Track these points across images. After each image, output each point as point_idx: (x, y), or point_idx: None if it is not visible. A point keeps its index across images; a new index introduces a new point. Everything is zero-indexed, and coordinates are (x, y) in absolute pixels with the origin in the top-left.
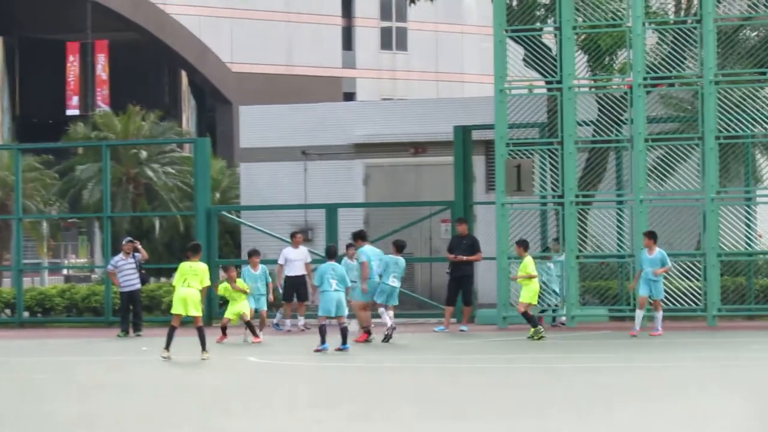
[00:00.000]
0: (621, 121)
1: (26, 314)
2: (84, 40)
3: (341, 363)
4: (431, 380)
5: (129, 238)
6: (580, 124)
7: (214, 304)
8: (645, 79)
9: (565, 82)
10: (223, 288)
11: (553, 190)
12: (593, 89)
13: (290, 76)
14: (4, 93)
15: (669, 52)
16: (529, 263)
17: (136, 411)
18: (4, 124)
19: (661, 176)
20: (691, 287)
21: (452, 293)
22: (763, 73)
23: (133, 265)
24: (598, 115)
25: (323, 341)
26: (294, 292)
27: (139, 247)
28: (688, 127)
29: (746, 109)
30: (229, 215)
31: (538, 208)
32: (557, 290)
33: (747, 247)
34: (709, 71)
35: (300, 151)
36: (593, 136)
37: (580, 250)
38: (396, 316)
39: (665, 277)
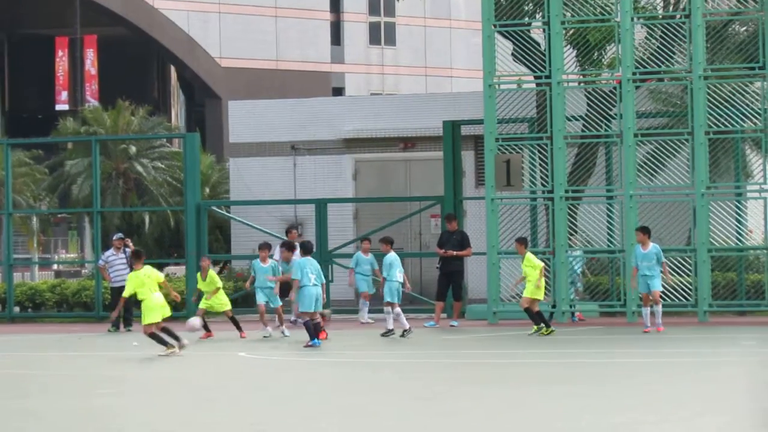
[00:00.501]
0: (610, 116)
1: (17, 309)
2: (73, 35)
3: (335, 359)
4: (420, 375)
5: (120, 234)
6: (570, 119)
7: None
8: (634, 74)
9: (554, 77)
10: (201, 282)
11: (543, 185)
12: (582, 84)
13: (279, 71)
14: None
15: (658, 47)
16: (531, 259)
17: (125, 406)
18: None
19: (651, 171)
20: (681, 283)
21: (442, 288)
22: (752, 68)
23: (124, 261)
24: (588, 110)
25: (313, 337)
26: None
27: (131, 245)
28: (678, 122)
29: (735, 104)
30: (219, 210)
31: (528, 203)
32: (579, 285)
33: (737, 242)
34: (699, 66)
35: (289, 146)
36: (582, 131)
37: (570, 246)
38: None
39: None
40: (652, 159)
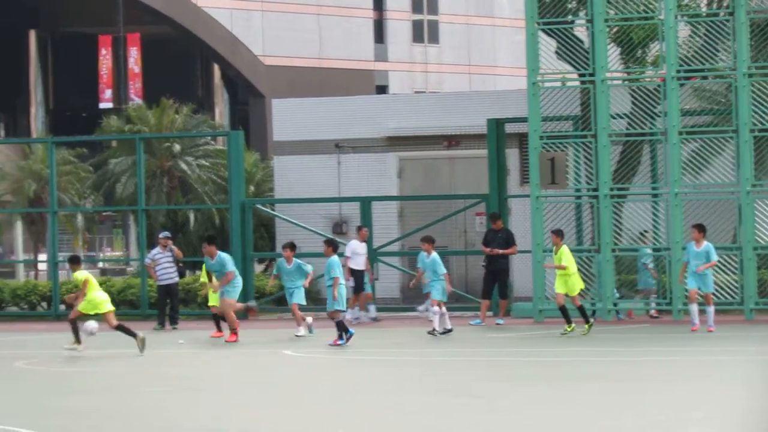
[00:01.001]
0: (654, 113)
1: (62, 307)
2: (116, 33)
3: (383, 357)
4: (467, 373)
5: (166, 233)
6: (614, 117)
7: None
8: (678, 71)
9: (598, 75)
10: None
11: (588, 183)
12: (626, 82)
13: (322, 69)
14: (38, 86)
15: (702, 45)
16: (565, 252)
17: (173, 403)
18: (38, 118)
19: (696, 169)
20: (727, 281)
21: (488, 286)
22: None
23: (171, 259)
24: (632, 108)
25: (343, 335)
26: (358, 285)
27: (174, 247)
28: (722, 120)
29: None
30: (264, 208)
31: (573, 201)
32: (652, 282)
33: None
34: (743, 64)
35: (333, 144)
36: (627, 128)
37: (615, 244)
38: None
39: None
40: (697, 157)
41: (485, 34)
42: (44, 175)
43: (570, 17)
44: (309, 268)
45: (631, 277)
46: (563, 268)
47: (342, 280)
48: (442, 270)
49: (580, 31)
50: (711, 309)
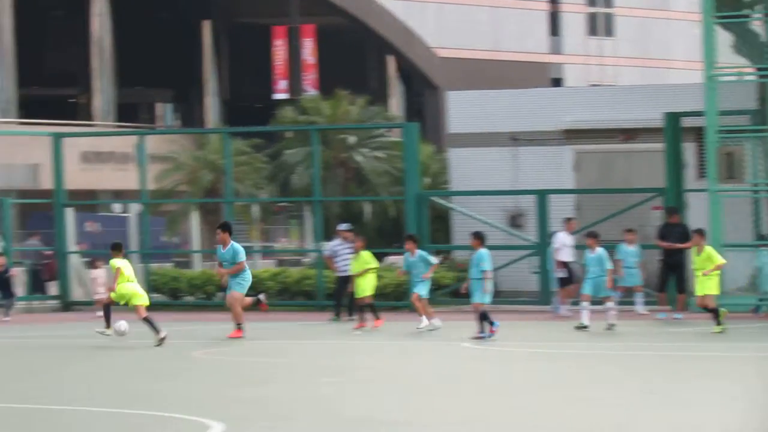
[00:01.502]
0: None
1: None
2: (290, 24)
3: (560, 350)
4: (647, 367)
5: (347, 225)
6: None
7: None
8: None
9: None
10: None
11: (766, 177)
12: None
13: (496, 61)
14: (213, 77)
15: None
16: (712, 252)
17: (349, 395)
18: (213, 108)
19: None
20: None
21: (665, 280)
22: None
23: (351, 251)
24: None
25: (486, 328)
26: (567, 277)
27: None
28: None
29: None
30: (439, 201)
31: (751, 195)
32: None
33: None
34: None
35: (508, 137)
36: None
37: None
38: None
39: None
40: None
41: (660, 28)
42: (219, 165)
43: (747, 11)
44: (433, 260)
45: None
46: (721, 266)
47: (490, 275)
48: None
49: (757, 25)
50: None
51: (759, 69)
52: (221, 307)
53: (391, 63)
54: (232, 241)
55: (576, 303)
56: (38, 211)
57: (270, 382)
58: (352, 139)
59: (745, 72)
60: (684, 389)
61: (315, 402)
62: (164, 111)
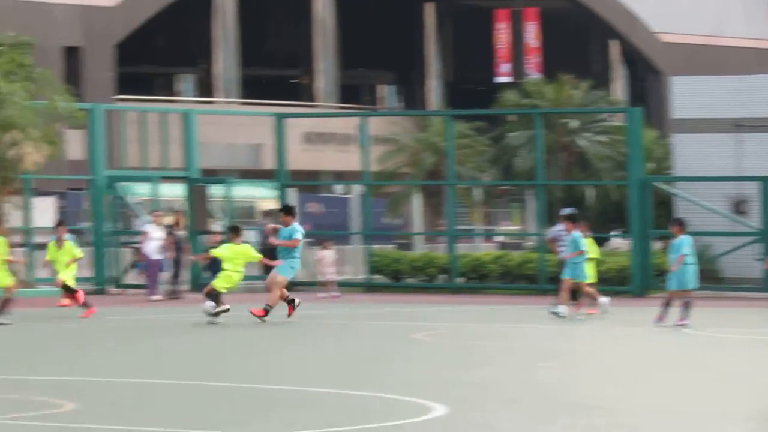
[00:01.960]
0: None
1: (461, 280)
2: (514, 7)
3: None
4: None
5: (570, 210)
6: None
7: None
8: None
9: None
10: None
11: None
12: None
13: (719, 47)
14: (435, 59)
15: None
16: None
17: (568, 379)
18: (435, 91)
19: None
20: None
21: None
22: None
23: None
24: None
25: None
26: None
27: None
28: None
29: None
30: (663, 186)
31: None
32: None
33: None
34: None
35: (732, 123)
36: None
37: None
38: None
39: None
40: None
41: None
42: (442, 147)
43: None
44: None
45: None
46: None
47: (691, 259)
48: None
49: None
50: None
51: None
52: (442, 289)
53: (615, 47)
54: (294, 222)
55: None
56: None
57: (490, 365)
58: (574, 123)
59: None
60: None
61: (535, 386)
62: (386, 93)
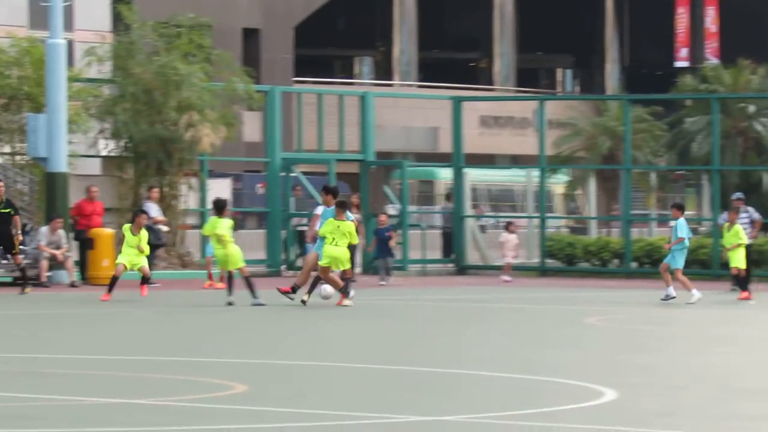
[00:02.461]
0: None
1: (634, 265)
2: None
3: None
4: None
5: (739, 194)
6: None
7: None
8: None
9: None
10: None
11: None
12: None
13: None
14: (614, 44)
15: None
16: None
17: (741, 364)
18: (613, 75)
19: None
20: None
21: None
22: None
23: (747, 220)
24: None
25: None
26: None
27: (750, 208)
28: None
29: None
30: None
31: None
32: None
33: None
34: None
35: None
36: None
37: None
38: None
39: None
40: None
41: None
42: (618, 132)
43: None
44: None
45: None
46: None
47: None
48: None
49: None
50: None
51: None
52: (616, 274)
53: None
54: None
55: None
56: None
57: (660, 350)
58: (752, 108)
59: None
60: None
61: (705, 371)
62: (564, 77)
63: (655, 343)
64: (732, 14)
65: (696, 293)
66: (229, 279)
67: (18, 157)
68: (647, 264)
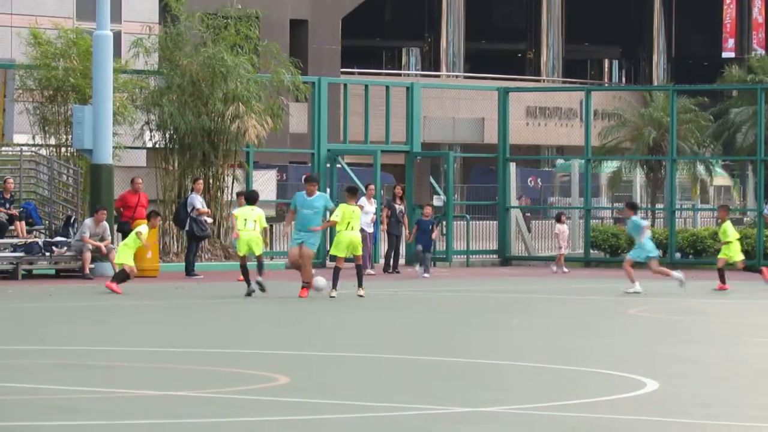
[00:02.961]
0: None
1: (678, 255)
2: None
3: None
4: None
5: None
6: None
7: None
8: None
9: None
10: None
11: None
12: None
13: None
14: (661, 34)
15: None
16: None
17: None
18: (660, 65)
19: None
20: None
21: None
22: None
23: None
24: None
25: None
26: None
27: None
28: None
29: None
30: None
31: None
32: None
33: None
34: None
35: None
36: None
37: None
38: None
39: None
40: None
41: None
42: (664, 122)
43: None
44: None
45: None
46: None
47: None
48: None
49: None
50: None
51: None
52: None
53: None
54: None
55: None
56: (479, 165)
57: (703, 341)
58: None
59: None
60: None
61: (745, 362)
62: (611, 67)
63: (696, 334)
64: None
65: (637, 286)
66: (244, 269)
67: (63, 149)
68: (691, 254)
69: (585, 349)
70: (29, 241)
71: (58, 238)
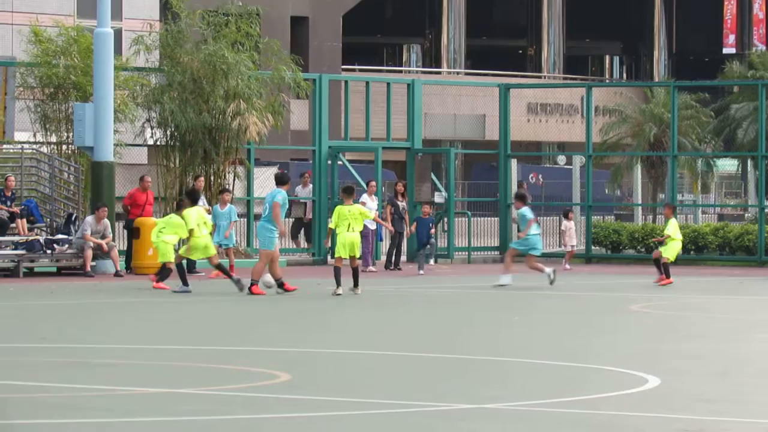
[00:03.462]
0: None
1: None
2: None
3: None
4: None
5: None
6: None
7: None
8: None
9: None
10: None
11: None
12: None
13: None
14: (662, 31)
15: None
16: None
17: None
18: (661, 61)
19: None
20: None
21: None
22: None
23: None
24: None
25: None
26: None
27: None
28: None
29: None
30: None
31: None
32: None
33: None
34: None
35: None
36: None
37: None
38: None
39: None
40: None
41: None
42: (665, 118)
43: None
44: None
45: None
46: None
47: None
48: None
49: None
50: None
51: None
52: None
53: None
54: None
55: None
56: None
57: (704, 337)
58: None
59: None
60: None
61: (747, 358)
62: (612, 64)
63: (697, 330)
64: None
65: (508, 278)
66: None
67: (64, 147)
68: (692, 250)
69: (587, 346)
70: (30, 238)
71: (60, 236)
